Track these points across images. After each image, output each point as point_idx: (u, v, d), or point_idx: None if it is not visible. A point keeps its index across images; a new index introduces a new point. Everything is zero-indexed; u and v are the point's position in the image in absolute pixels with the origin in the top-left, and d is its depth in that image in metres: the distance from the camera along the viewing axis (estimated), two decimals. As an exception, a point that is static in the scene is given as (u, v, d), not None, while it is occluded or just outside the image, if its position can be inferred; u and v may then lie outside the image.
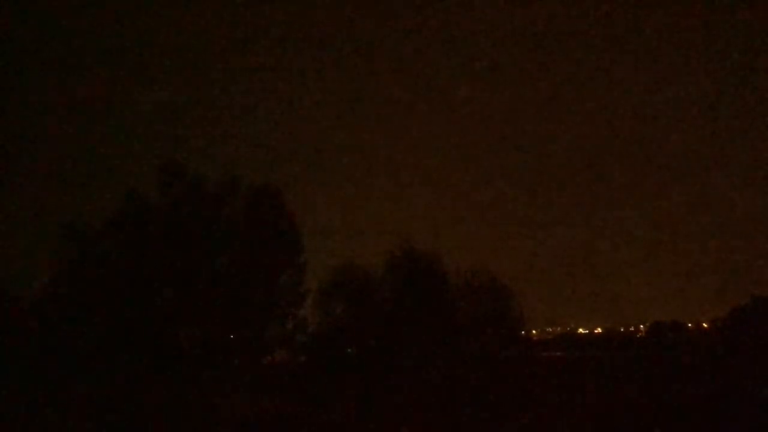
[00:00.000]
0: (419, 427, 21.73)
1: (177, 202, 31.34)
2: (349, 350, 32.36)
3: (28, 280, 31.96)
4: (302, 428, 22.70)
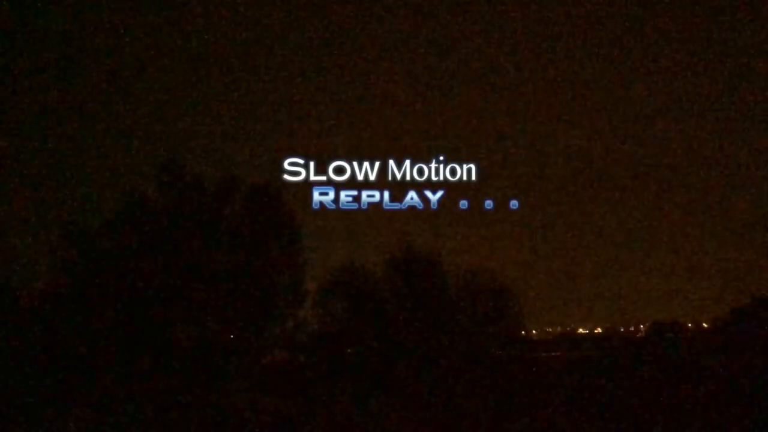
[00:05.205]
0: (420, 428, 21.71)
1: (176, 202, 31.33)
2: (349, 350, 32.34)
3: (28, 280, 31.95)
4: (302, 428, 22.69)
